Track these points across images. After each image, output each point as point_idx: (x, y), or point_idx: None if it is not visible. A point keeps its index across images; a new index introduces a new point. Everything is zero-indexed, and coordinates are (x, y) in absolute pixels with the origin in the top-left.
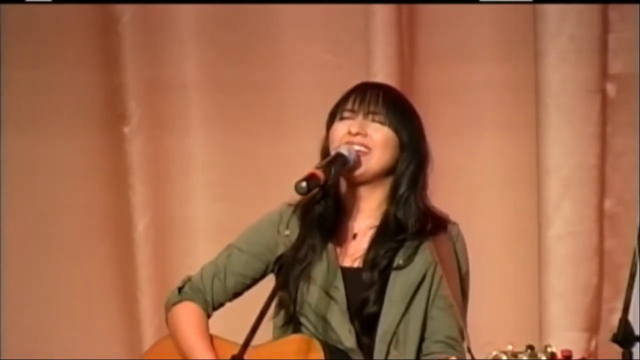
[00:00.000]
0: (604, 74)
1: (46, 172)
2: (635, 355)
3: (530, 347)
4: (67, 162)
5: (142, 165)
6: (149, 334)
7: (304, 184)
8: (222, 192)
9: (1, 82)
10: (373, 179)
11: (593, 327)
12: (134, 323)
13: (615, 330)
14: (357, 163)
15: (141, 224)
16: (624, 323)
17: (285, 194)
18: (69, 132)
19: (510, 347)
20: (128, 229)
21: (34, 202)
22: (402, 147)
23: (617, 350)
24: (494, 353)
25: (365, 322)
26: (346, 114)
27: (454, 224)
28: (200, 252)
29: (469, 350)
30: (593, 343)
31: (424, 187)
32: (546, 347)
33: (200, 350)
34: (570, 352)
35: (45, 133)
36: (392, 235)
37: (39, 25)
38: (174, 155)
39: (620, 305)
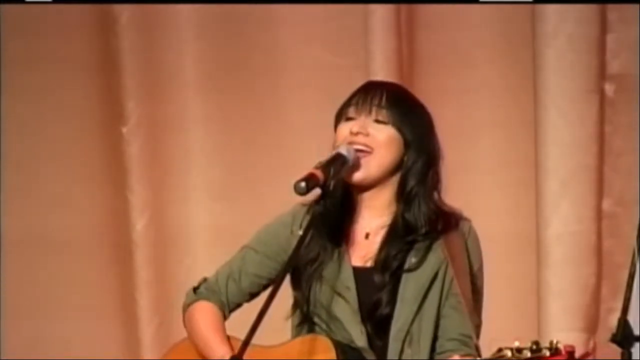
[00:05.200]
0: (602, 74)
1: (45, 172)
2: (635, 356)
3: (536, 343)
4: (65, 162)
5: (141, 165)
6: (148, 335)
7: (303, 184)
8: (220, 192)
9: (1, 82)
10: (378, 181)
11: (591, 327)
12: (133, 323)
13: (613, 330)
14: (357, 163)
15: (139, 224)
16: (623, 323)
17: (284, 194)
18: (67, 132)
19: (516, 343)
20: (126, 230)
21: (33, 202)
22: (406, 144)
23: (616, 350)
24: (500, 349)
25: (377, 323)
26: (350, 114)
27: (466, 220)
28: (199, 252)
29: (477, 348)
30: (591, 343)
31: (434, 184)
32: (552, 342)
33: (215, 344)
34: (572, 347)
35: (44, 133)
36: (402, 235)
37: (38, 25)
38: (172, 155)
39: (618, 305)
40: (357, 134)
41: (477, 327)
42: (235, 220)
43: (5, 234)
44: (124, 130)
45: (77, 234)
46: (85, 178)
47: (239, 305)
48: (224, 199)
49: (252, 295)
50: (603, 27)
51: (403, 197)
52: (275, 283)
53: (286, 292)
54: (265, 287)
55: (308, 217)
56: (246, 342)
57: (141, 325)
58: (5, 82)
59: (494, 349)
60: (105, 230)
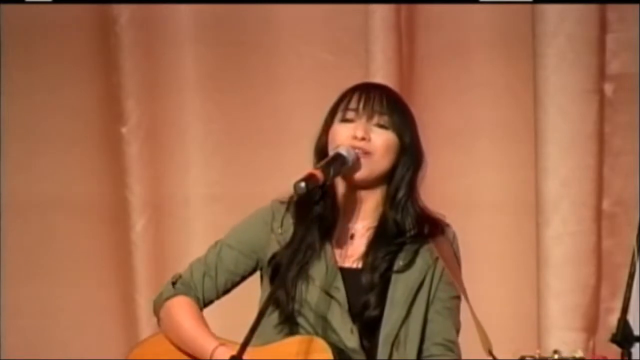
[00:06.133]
0: (602, 74)
1: (45, 173)
2: (635, 356)
3: (557, 352)
4: (65, 162)
5: (140, 165)
6: (147, 334)
7: (302, 184)
8: (220, 192)
9: (1, 82)
10: (374, 183)
11: (591, 327)
12: (132, 323)
13: (612, 330)
14: (357, 164)
15: (139, 224)
16: (623, 323)
17: (283, 194)
18: (67, 132)
19: (538, 352)
20: (126, 229)
21: (33, 202)
22: (403, 150)
23: (616, 350)
24: (522, 358)
25: (366, 325)
26: (349, 115)
27: (449, 225)
28: (198, 252)
29: (491, 353)
30: (591, 343)
31: (417, 188)
32: (575, 351)
33: (204, 337)
34: (605, 357)
35: (44, 133)
36: (391, 238)
37: (38, 25)
38: (171, 155)
39: (617, 305)
40: (362, 139)
41: (457, 331)
42: (234, 220)
43: (5, 236)
44: (124, 130)
45: (75, 234)
46: (85, 177)
47: (211, 302)
48: (223, 198)
49: (225, 292)
50: (603, 27)
51: (394, 200)
52: (275, 284)
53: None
54: (237, 284)
55: (288, 216)
56: (246, 343)
57: (140, 325)
58: (5, 82)
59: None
60: (105, 229)
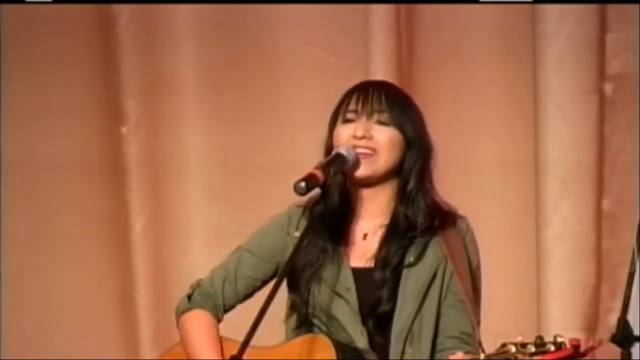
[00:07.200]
0: (602, 74)
1: (44, 172)
2: (635, 356)
3: (540, 338)
4: (65, 162)
5: (140, 165)
6: (146, 334)
7: (302, 184)
8: (219, 192)
9: (1, 82)
10: (380, 180)
11: (591, 326)
12: (131, 323)
13: (612, 330)
14: (357, 163)
15: (138, 224)
16: (623, 323)
17: (283, 194)
18: (67, 132)
19: (520, 338)
20: (125, 229)
21: (32, 202)
22: (407, 144)
23: (616, 350)
24: (504, 344)
25: (378, 321)
26: (349, 116)
27: (462, 217)
28: (198, 252)
29: (480, 344)
30: (590, 342)
31: (430, 180)
32: (556, 337)
33: (207, 355)
34: (578, 341)
35: (44, 133)
36: (402, 233)
37: (38, 25)
38: (171, 155)
39: (617, 305)
40: (362, 137)
41: (476, 326)
42: (234, 220)
43: (5, 234)
44: (124, 130)
45: (75, 234)
46: (85, 177)
47: (233, 307)
48: (222, 198)
49: (247, 297)
50: (603, 27)
51: (404, 196)
52: (274, 285)
53: (283, 294)
54: (259, 289)
55: (304, 219)
56: (246, 342)
57: (140, 325)
58: (5, 82)
59: (498, 345)
60: (104, 229)
